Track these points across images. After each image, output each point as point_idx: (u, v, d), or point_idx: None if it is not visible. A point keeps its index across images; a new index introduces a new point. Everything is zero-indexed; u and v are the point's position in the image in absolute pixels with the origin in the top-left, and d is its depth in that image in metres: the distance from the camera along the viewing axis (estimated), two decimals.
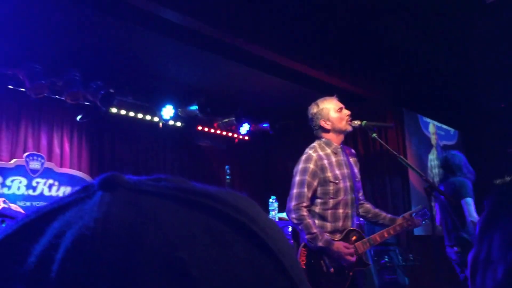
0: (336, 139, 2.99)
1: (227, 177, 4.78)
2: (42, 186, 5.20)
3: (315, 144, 2.99)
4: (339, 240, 2.84)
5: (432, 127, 7.14)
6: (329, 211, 2.87)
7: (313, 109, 3.03)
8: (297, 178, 2.88)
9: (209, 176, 6.77)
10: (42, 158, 5.26)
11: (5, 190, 4.91)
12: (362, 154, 6.24)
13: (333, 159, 2.93)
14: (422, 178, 2.90)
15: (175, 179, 0.35)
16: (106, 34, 4.51)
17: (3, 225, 3.40)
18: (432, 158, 6.95)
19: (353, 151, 3.21)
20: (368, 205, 3.14)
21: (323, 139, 2.99)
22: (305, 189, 2.83)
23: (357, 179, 3.04)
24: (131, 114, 5.89)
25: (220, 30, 4.43)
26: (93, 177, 5.53)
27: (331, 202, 2.87)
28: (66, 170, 5.47)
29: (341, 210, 2.89)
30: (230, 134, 6.98)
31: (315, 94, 3.30)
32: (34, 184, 5.15)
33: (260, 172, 7.53)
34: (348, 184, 2.92)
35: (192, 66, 5.36)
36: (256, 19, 4.71)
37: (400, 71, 6.31)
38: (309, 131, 3.10)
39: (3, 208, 3.40)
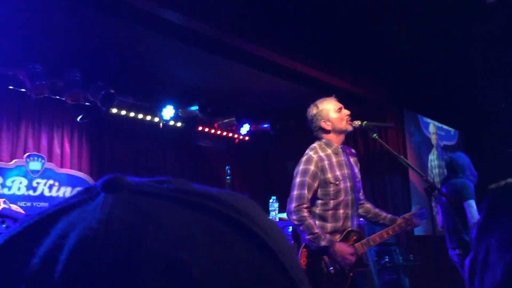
0: (336, 140, 2.99)
1: (228, 177, 4.77)
2: (43, 186, 5.20)
3: (316, 145, 2.98)
4: (339, 240, 2.84)
5: (432, 127, 7.13)
6: (330, 212, 2.87)
7: (313, 110, 3.02)
8: (298, 180, 2.88)
9: (210, 176, 6.76)
10: (43, 158, 5.26)
11: (5, 191, 4.91)
12: (362, 154, 6.23)
13: (334, 159, 2.93)
14: (422, 178, 2.90)
15: (177, 181, 0.35)
16: (106, 35, 4.51)
17: (4, 225, 3.40)
18: (433, 158, 6.94)
19: (353, 151, 3.20)
20: (368, 205, 3.14)
21: (324, 140, 2.98)
22: (306, 191, 2.83)
23: (357, 179, 3.04)
24: (132, 114, 5.89)
25: (220, 30, 4.43)
26: (94, 177, 5.55)
27: (332, 203, 2.87)
28: (67, 171, 5.46)
29: (341, 211, 2.88)
30: (230, 134, 6.97)
31: (315, 94, 3.29)
32: (34, 184, 5.14)
33: (260, 172, 7.52)
34: (348, 184, 2.92)
35: (192, 67, 5.35)
36: (256, 19, 4.71)
37: (400, 71, 6.31)
38: (309, 131, 3.10)
39: (4, 208, 3.41)
